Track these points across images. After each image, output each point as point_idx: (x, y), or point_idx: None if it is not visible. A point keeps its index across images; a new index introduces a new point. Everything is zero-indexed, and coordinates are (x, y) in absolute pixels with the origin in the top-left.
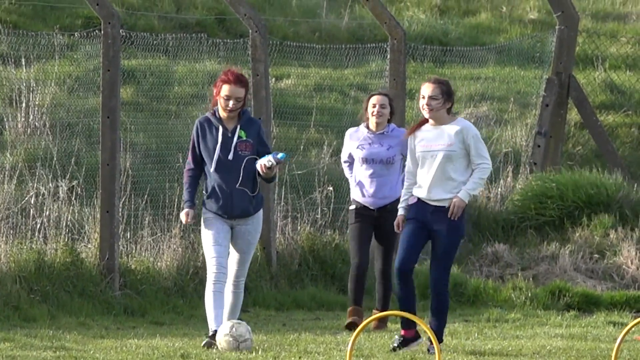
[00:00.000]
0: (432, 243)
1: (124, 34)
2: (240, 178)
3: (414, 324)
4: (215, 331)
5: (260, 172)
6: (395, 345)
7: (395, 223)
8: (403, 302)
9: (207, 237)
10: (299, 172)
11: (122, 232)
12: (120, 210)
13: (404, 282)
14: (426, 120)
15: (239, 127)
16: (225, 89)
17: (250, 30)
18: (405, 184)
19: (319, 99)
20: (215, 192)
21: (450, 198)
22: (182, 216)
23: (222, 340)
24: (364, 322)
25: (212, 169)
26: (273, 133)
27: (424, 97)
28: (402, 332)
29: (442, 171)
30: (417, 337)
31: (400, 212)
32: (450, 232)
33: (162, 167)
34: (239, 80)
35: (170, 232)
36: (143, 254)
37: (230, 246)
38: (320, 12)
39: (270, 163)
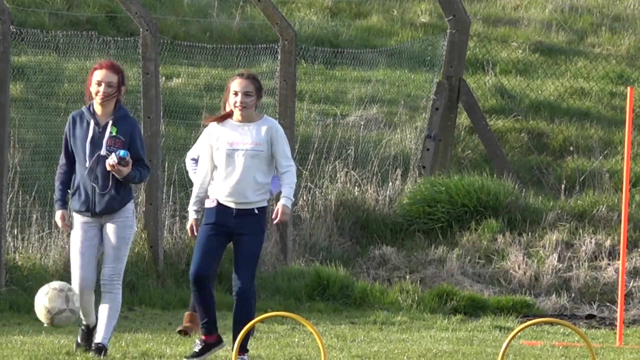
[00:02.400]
0: (236, 248)
1: (14, 30)
2: (103, 175)
3: (215, 328)
4: (87, 326)
5: (110, 171)
6: (197, 350)
7: (188, 228)
8: (203, 309)
9: (72, 243)
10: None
11: (9, 228)
12: (7, 206)
13: (201, 288)
14: (229, 115)
15: (110, 122)
16: (96, 74)
17: (141, 29)
18: (199, 182)
19: (209, 98)
20: (79, 188)
21: (255, 201)
22: (58, 221)
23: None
24: (257, 318)
25: (79, 165)
26: (162, 132)
27: (236, 94)
28: (203, 337)
29: (247, 172)
30: (219, 341)
31: (194, 215)
32: (256, 236)
33: (50, 164)
34: (111, 67)
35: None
36: (30, 250)
37: (104, 245)
38: (212, 12)
39: (112, 161)
